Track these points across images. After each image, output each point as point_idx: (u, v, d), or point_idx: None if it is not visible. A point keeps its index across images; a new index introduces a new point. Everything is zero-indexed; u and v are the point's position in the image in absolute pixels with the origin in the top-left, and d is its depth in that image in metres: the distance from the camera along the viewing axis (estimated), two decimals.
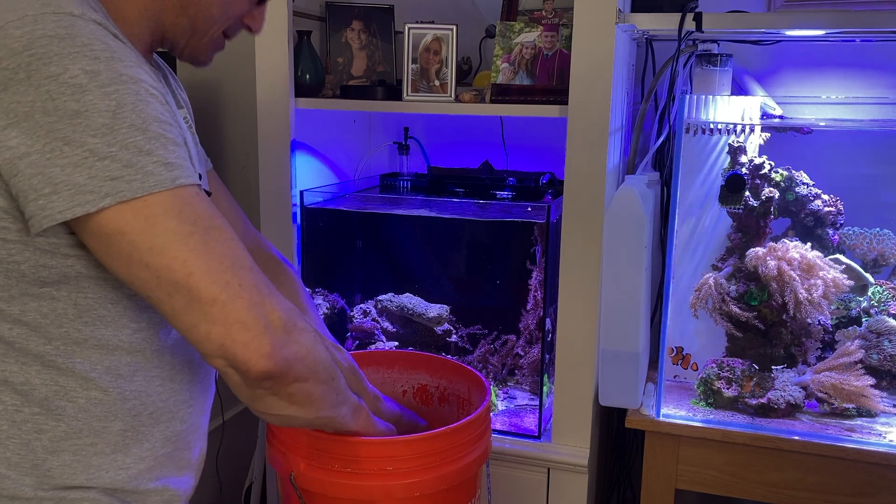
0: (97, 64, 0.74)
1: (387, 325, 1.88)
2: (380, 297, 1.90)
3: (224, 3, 0.93)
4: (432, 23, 1.72)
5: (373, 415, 1.13)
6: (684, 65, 1.72)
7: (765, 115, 1.72)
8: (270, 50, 1.68)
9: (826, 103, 1.78)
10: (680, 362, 1.75)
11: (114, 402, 0.86)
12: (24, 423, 0.83)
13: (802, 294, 1.51)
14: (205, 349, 0.81)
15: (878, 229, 1.68)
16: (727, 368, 1.60)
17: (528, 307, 1.80)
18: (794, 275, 1.53)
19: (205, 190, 0.98)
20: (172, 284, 0.77)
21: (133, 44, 0.87)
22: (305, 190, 1.78)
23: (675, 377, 1.75)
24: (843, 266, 1.59)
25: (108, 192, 0.74)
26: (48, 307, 0.81)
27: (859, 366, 1.53)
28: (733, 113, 1.66)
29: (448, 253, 1.94)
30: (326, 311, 1.84)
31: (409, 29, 1.68)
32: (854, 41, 1.72)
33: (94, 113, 0.73)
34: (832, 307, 1.57)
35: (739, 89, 1.78)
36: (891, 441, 1.46)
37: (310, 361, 0.89)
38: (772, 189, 1.62)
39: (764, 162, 1.62)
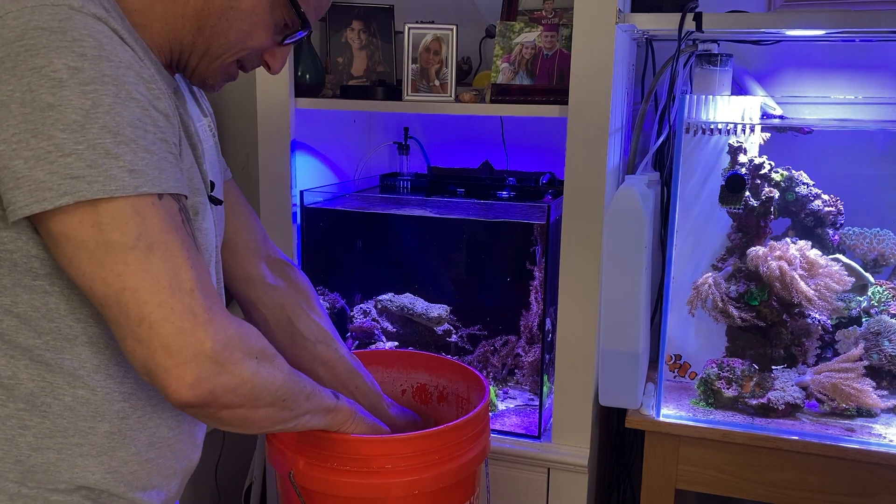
0: (82, 61, 0.73)
1: (387, 325, 1.88)
2: (380, 297, 1.90)
3: (242, 32, 0.91)
4: (432, 23, 1.73)
5: (362, 411, 1.13)
6: (684, 65, 1.72)
7: (765, 115, 1.72)
8: None
9: (826, 103, 1.77)
10: (677, 370, 1.75)
11: (101, 403, 0.85)
12: (9, 418, 0.82)
13: (811, 292, 1.51)
14: (132, 363, 0.79)
15: (878, 229, 1.68)
16: (727, 368, 1.60)
17: (529, 307, 1.80)
18: (795, 274, 1.53)
19: (216, 198, 0.98)
20: (105, 297, 0.76)
21: (156, 55, 0.87)
22: (305, 190, 1.78)
23: (674, 377, 1.75)
24: (841, 264, 1.59)
25: (68, 190, 0.72)
26: (40, 300, 0.81)
27: (859, 366, 1.53)
28: (733, 113, 1.66)
29: (448, 253, 1.94)
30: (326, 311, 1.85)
31: (409, 29, 1.68)
32: (854, 41, 1.72)
33: (67, 109, 0.72)
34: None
35: (739, 89, 1.78)
36: (891, 441, 1.46)
37: (244, 391, 0.84)
38: (772, 189, 1.62)
39: (764, 162, 1.62)
